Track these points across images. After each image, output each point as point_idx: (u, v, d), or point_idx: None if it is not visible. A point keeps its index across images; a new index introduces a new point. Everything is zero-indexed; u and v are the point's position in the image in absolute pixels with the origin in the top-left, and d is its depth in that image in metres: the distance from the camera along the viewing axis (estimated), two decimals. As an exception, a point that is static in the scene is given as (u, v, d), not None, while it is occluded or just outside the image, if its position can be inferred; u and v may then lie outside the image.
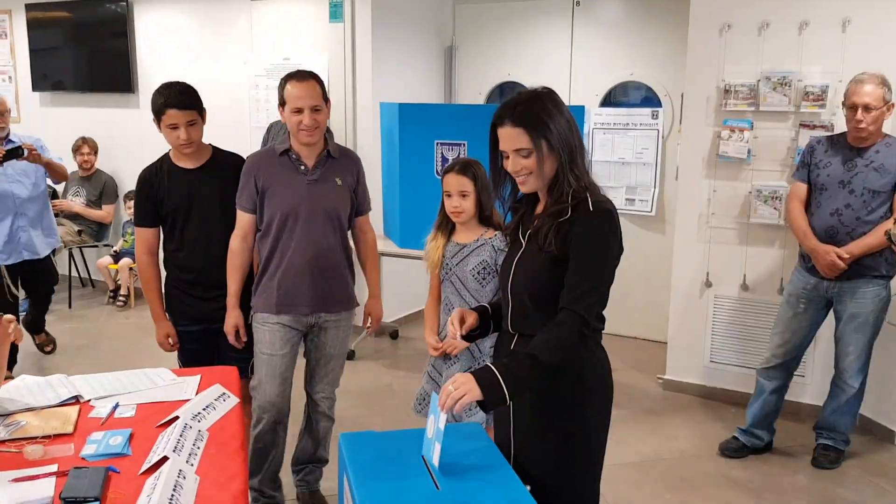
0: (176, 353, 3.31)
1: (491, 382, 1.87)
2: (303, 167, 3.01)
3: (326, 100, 2.99)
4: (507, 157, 2.01)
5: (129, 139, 6.64)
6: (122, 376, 2.63)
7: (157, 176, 3.16)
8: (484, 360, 2.95)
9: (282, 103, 2.94)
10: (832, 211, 3.65)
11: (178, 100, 3.02)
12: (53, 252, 5.06)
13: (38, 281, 5.02)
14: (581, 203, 1.96)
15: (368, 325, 3.30)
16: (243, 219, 3.07)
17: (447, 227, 3.05)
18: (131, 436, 2.19)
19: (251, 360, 3.17)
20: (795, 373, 3.99)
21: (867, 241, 3.55)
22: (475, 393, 1.85)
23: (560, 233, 1.97)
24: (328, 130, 3.62)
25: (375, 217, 4.41)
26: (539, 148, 1.96)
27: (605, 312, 2.07)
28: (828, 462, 3.83)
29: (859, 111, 3.52)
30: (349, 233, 3.21)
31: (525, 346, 1.98)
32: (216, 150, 3.24)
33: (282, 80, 2.99)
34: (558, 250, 1.96)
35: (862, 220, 3.59)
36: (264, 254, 3.07)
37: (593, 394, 2.07)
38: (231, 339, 3.11)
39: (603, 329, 2.09)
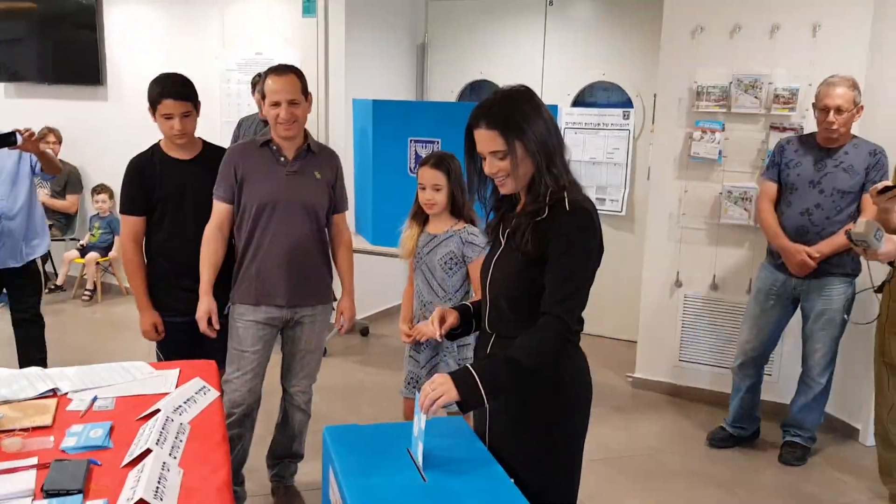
0: (147, 347, 3.28)
1: (469, 384, 1.87)
2: (282, 158, 3.03)
3: (307, 94, 2.99)
4: (485, 159, 2.00)
5: (97, 132, 6.54)
6: (99, 369, 2.60)
7: (148, 164, 3.16)
8: (450, 346, 3.07)
9: (262, 97, 2.97)
10: (802, 210, 3.73)
11: (174, 90, 3.06)
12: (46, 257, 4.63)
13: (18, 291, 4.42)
14: (558, 203, 1.94)
15: (341, 324, 3.29)
16: (219, 208, 3.07)
17: (421, 217, 3.15)
18: (111, 428, 2.16)
19: None
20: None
21: (836, 240, 3.62)
22: (452, 394, 1.86)
23: (537, 233, 1.94)
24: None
25: (348, 214, 4.39)
26: (513, 151, 1.93)
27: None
28: (794, 459, 3.91)
29: (831, 113, 3.59)
30: (326, 230, 3.21)
31: (504, 348, 1.99)
32: (207, 144, 3.28)
33: (263, 73, 3.00)
34: (534, 251, 1.94)
35: (831, 219, 3.67)
36: (241, 244, 3.06)
37: (571, 396, 2.05)
38: (202, 326, 3.06)
39: (581, 330, 2.05)
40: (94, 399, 2.36)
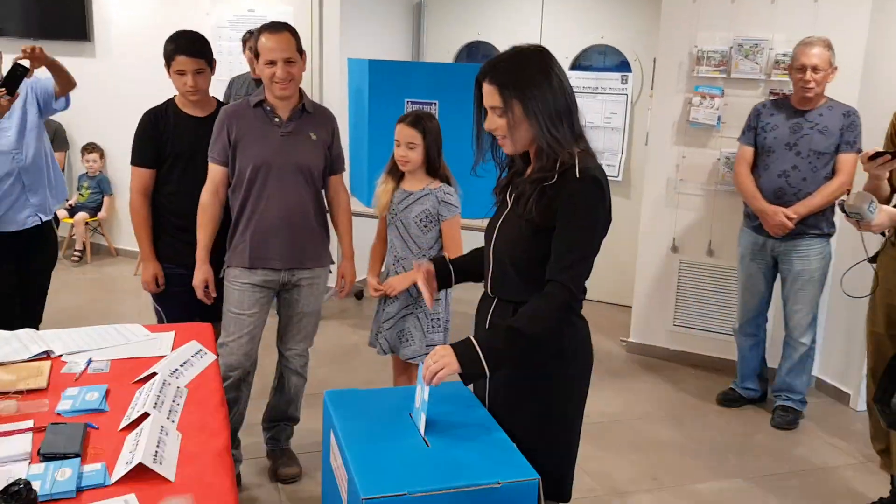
0: (139, 308, 3.25)
1: (470, 356, 1.85)
2: (276, 119, 2.98)
3: (301, 52, 2.95)
4: (488, 114, 1.97)
5: (84, 89, 6.31)
6: (92, 332, 2.56)
7: (162, 118, 3.15)
8: (421, 301, 3.07)
9: (255, 55, 2.90)
10: (779, 172, 3.78)
11: (188, 47, 3.05)
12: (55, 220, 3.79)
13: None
14: (568, 170, 1.89)
15: (341, 286, 3.27)
16: (215, 171, 3.03)
17: (397, 173, 3.17)
18: (107, 392, 2.14)
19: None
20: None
21: (813, 201, 3.70)
22: (454, 366, 1.85)
23: (542, 199, 1.90)
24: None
25: (343, 176, 4.31)
26: (510, 109, 1.90)
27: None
28: (786, 423, 3.95)
29: (808, 72, 3.65)
30: (322, 192, 3.17)
31: (505, 312, 1.98)
32: (221, 103, 3.25)
33: (256, 31, 2.95)
34: (539, 218, 1.91)
35: (808, 180, 3.74)
36: (236, 207, 3.03)
37: (572, 364, 2.03)
38: (199, 293, 3.07)
39: (584, 298, 2.02)
40: (89, 362, 2.33)
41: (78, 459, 1.76)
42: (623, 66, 5.58)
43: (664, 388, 4.40)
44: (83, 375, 2.25)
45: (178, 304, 3.21)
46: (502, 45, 6.16)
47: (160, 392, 2.08)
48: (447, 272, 2.28)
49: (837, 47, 3.90)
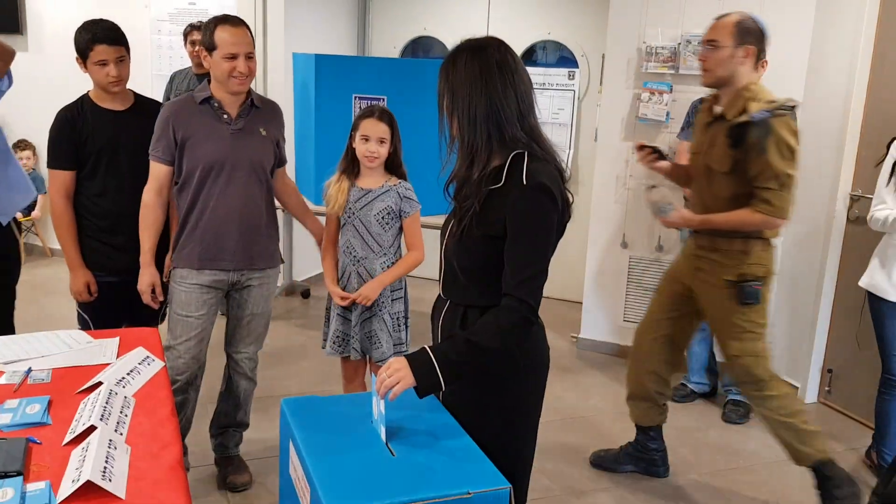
0: (77, 310, 3.12)
1: (426, 369, 1.79)
2: (225, 116, 2.87)
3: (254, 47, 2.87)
4: None
5: (16, 84, 6.15)
6: (31, 339, 2.43)
7: (79, 115, 2.99)
8: (385, 301, 3.04)
9: (209, 49, 2.78)
10: None
11: (108, 35, 2.92)
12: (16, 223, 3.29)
13: None
14: (515, 174, 1.82)
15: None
16: (159, 170, 2.90)
17: (353, 171, 3.06)
18: (50, 403, 2.02)
19: (161, 311, 3.12)
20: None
21: None
22: (409, 381, 1.79)
23: (488, 206, 1.84)
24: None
25: (289, 172, 4.21)
26: (441, 105, 1.89)
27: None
28: (737, 417, 3.99)
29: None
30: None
31: (455, 317, 1.95)
32: (138, 95, 3.13)
33: (208, 23, 2.82)
34: (483, 227, 1.85)
35: None
36: (184, 207, 2.91)
37: (527, 370, 1.97)
38: (146, 298, 2.96)
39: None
40: (29, 371, 2.20)
41: (20, 478, 1.64)
42: (570, 61, 5.58)
43: (616, 385, 4.41)
44: (22, 386, 2.12)
45: (106, 311, 3.08)
46: (449, 40, 6.13)
47: (106, 403, 1.97)
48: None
49: (783, 44, 3.95)
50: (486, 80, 1.83)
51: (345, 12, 6.07)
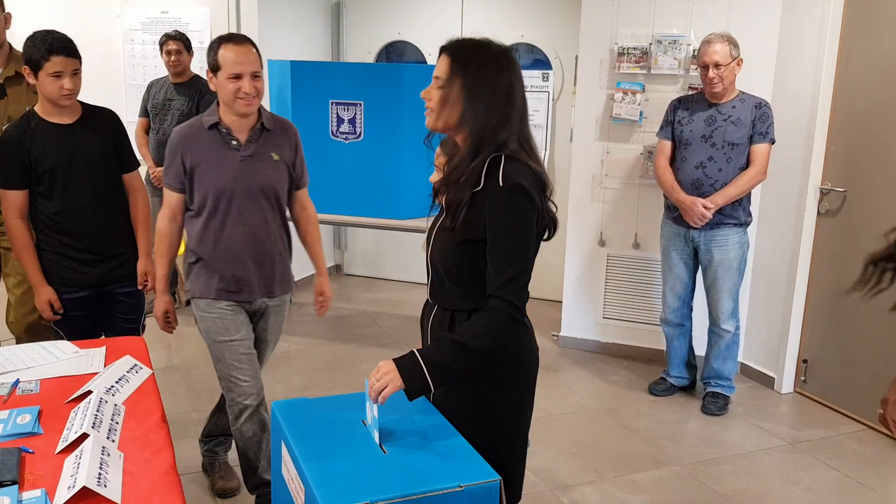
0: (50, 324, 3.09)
1: (415, 372, 1.82)
2: (234, 142, 2.73)
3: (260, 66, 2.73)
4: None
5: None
6: (17, 350, 2.44)
7: (26, 133, 2.88)
8: None
9: (213, 69, 2.67)
10: (696, 164, 3.90)
11: (64, 46, 2.82)
12: None
13: None
14: (494, 174, 1.84)
15: (321, 305, 3.10)
16: (171, 198, 2.80)
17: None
18: (40, 413, 2.03)
19: (141, 322, 3.14)
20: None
21: (729, 190, 3.85)
22: (397, 383, 1.81)
23: (471, 207, 1.86)
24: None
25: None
26: (452, 85, 1.86)
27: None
28: (717, 409, 4.06)
29: (711, 69, 3.79)
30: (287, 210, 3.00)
31: (443, 321, 1.97)
32: (85, 105, 3.02)
33: (212, 43, 2.70)
34: (466, 231, 1.87)
35: (724, 171, 3.87)
36: (195, 237, 2.81)
37: (518, 372, 2.02)
38: (161, 324, 2.94)
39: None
40: (17, 382, 2.21)
41: (15, 487, 1.66)
42: (544, 63, 5.64)
43: (597, 381, 4.47)
44: (12, 397, 2.13)
45: (80, 324, 3.03)
46: (424, 44, 6.18)
47: (97, 411, 1.99)
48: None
49: (751, 42, 4.05)
50: (507, 83, 1.86)
51: (319, 19, 6.09)
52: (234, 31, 5.31)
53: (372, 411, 1.84)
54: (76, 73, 2.86)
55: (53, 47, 2.80)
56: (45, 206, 2.95)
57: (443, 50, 1.92)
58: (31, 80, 2.87)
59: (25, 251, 2.97)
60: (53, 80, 2.81)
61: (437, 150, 2.34)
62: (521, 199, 1.84)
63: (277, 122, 2.87)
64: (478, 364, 1.87)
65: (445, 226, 1.94)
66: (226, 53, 2.63)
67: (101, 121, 3.00)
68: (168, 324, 2.97)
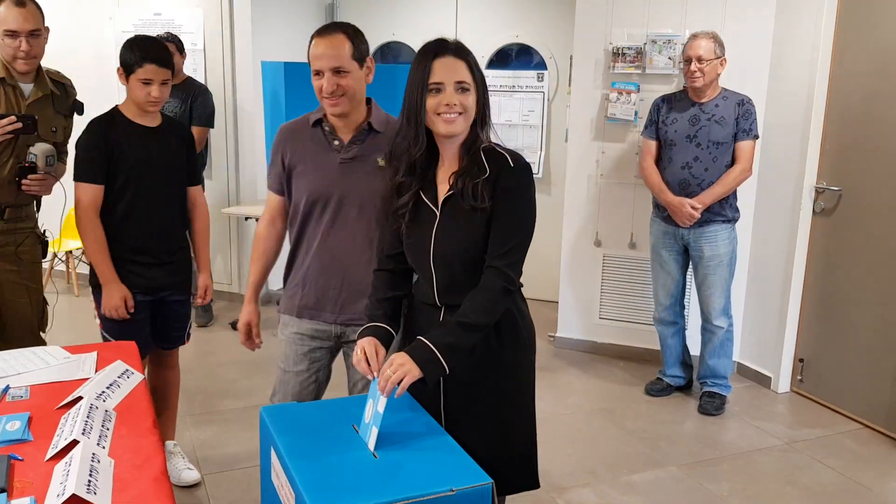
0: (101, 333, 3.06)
1: (428, 358, 1.87)
2: (336, 142, 2.43)
3: (361, 60, 2.39)
4: (441, 91, 1.93)
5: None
6: (7, 356, 2.41)
7: (111, 128, 2.90)
8: None
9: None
10: (682, 164, 3.91)
11: (159, 56, 2.86)
12: None
13: None
14: (499, 158, 1.97)
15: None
16: (271, 200, 2.61)
17: None
18: (30, 419, 2.01)
19: (187, 331, 3.21)
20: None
21: (716, 189, 3.86)
22: (414, 372, 1.85)
23: (487, 189, 1.95)
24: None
25: (261, 182, 4.17)
26: (476, 87, 1.96)
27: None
28: (713, 408, 4.05)
29: (693, 62, 3.81)
30: None
31: (453, 315, 1.98)
32: (164, 115, 3.08)
33: (312, 36, 2.44)
34: (488, 214, 1.95)
35: (710, 170, 3.88)
36: (292, 243, 2.60)
37: (528, 351, 2.16)
38: (242, 338, 2.71)
39: (520, 282, 2.06)
40: (6, 388, 2.19)
41: (4, 495, 1.65)
42: (538, 64, 5.64)
43: (593, 382, 4.46)
44: (1, 403, 2.12)
45: (137, 332, 2.92)
46: (419, 45, 6.12)
47: (87, 417, 1.97)
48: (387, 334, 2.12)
49: (745, 41, 4.06)
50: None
51: (312, 19, 6.07)
52: (227, 32, 5.30)
53: (377, 406, 1.83)
54: (165, 83, 2.90)
55: (148, 55, 2.83)
56: (115, 206, 2.95)
57: (452, 53, 1.95)
58: (123, 82, 2.90)
59: (99, 248, 2.94)
60: (143, 86, 2.85)
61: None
62: (530, 177, 2.00)
63: (390, 123, 2.44)
64: (479, 337, 1.97)
65: (459, 215, 1.99)
66: (311, 48, 2.39)
67: (179, 131, 3.08)
68: (250, 339, 2.69)
